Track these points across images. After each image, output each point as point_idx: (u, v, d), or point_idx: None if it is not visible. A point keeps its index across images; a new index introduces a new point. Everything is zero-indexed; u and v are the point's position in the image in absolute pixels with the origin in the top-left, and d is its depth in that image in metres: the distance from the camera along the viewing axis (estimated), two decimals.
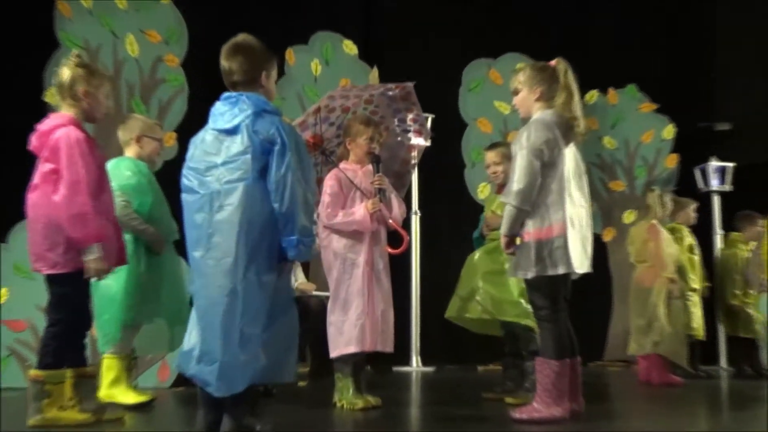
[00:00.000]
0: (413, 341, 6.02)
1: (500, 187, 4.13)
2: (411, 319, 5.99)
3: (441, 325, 4.55)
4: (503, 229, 3.15)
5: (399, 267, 4.19)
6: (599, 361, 6.59)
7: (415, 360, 6.03)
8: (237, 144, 2.60)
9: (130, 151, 3.92)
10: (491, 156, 4.15)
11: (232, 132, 2.62)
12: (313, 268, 5.60)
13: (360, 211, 3.65)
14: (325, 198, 3.68)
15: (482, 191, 6.50)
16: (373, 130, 3.75)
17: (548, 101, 3.20)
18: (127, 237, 3.65)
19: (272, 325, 2.56)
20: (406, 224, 4.20)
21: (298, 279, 5.19)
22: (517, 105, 3.26)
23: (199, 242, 2.58)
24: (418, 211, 6.15)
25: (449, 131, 6.25)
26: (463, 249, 4.59)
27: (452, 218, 6.34)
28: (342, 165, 3.80)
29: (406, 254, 5.37)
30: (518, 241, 3.14)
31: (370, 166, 3.78)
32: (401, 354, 5.74)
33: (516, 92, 3.26)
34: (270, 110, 2.65)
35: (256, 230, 2.55)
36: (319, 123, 3.91)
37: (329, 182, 3.73)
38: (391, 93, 4.00)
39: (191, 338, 2.58)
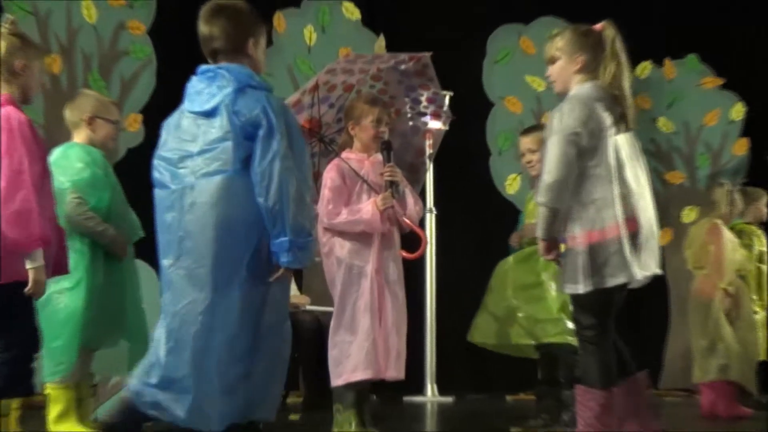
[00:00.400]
0: (428, 365, 6.02)
1: (538, 180, 4.13)
2: (425, 339, 5.98)
3: (461, 345, 4.54)
4: (538, 232, 3.12)
5: (410, 276, 4.19)
6: (654, 389, 6.57)
7: (430, 388, 6.03)
8: (215, 128, 2.59)
9: (80, 136, 3.90)
10: (527, 142, 4.16)
11: (210, 114, 2.61)
12: (306, 278, 5.61)
13: (368, 208, 3.66)
14: (326, 193, 3.69)
15: (510, 184, 6.49)
16: (379, 109, 3.76)
17: (591, 73, 3.14)
18: (78, 245, 3.64)
19: (258, 351, 2.56)
20: (420, 225, 4.18)
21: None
22: (553, 76, 3.20)
23: (168, 248, 2.59)
24: (434, 209, 6.14)
25: (471, 112, 6.23)
26: (488, 254, 4.57)
27: (475, 217, 6.34)
28: (345, 154, 3.81)
29: (419, 262, 5.36)
30: (562, 247, 3.12)
31: (378, 155, 3.80)
32: (413, 381, 5.74)
33: (552, 60, 3.19)
34: (255, 85, 2.64)
35: (237, 232, 2.54)
36: (316, 104, 3.92)
37: (330, 174, 3.74)
38: (403, 66, 4.00)
39: (152, 359, 2.57)
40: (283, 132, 2.55)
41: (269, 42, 6.06)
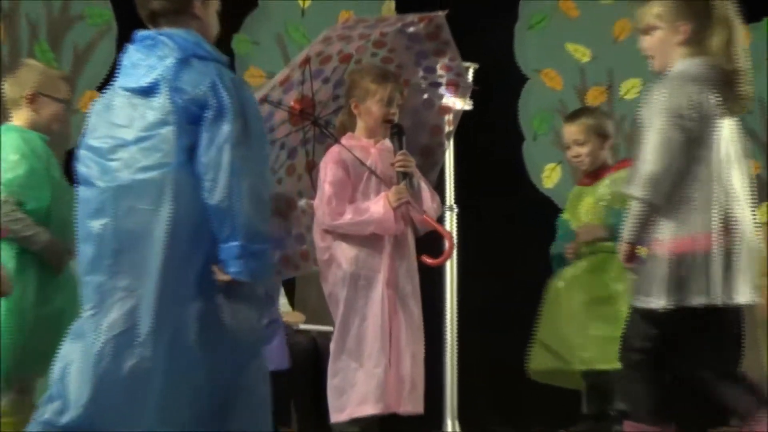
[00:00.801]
0: (448, 396, 6.00)
1: (587, 176, 4.16)
2: (445, 365, 5.97)
3: (488, 372, 4.53)
4: (625, 234, 3.12)
5: (427, 289, 4.18)
6: (725, 426, 6.54)
7: (451, 424, 6.01)
8: (154, 110, 2.54)
9: (20, 116, 3.90)
10: (573, 132, 4.18)
11: (147, 92, 2.57)
12: (300, 291, 5.60)
13: (378, 205, 3.67)
14: (326, 189, 3.69)
15: (548, 176, 6.47)
16: (391, 86, 3.75)
17: (697, 45, 3.15)
18: (5, 254, 3.62)
19: (222, 390, 2.51)
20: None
21: (280, 306, 5.20)
22: (651, 50, 3.21)
23: (98, 262, 2.53)
24: (455, 207, 6.11)
25: (500, 89, 6.21)
26: (521, 261, 4.55)
27: (505, 216, 6.31)
28: (345, 140, 3.81)
29: (437, 271, 5.33)
30: (643, 252, 3.12)
31: (386, 141, 3.80)
32: (431, 415, 5.72)
33: (649, 30, 3.21)
34: (203, 55, 2.59)
35: (186, 242, 2.50)
36: (308, 79, 3.91)
37: (329, 165, 3.74)
38: (412, 29, 3.99)
39: (56, 394, 2.51)
40: (237, 113, 2.50)
41: (254, 5, 6.10)
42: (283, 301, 5.30)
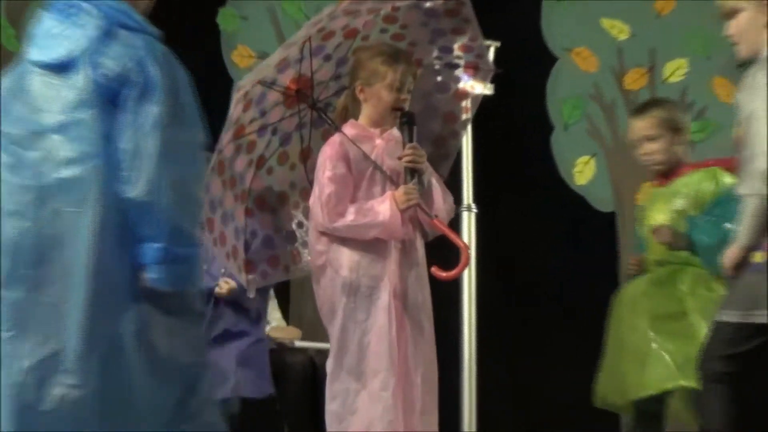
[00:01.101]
0: (465, 423, 5.99)
1: (660, 176, 4.15)
2: (462, 388, 5.95)
3: (510, 396, 4.49)
4: (742, 238, 3.17)
5: (440, 301, 4.16)
6: None
7: None
8: (73, 89, 2.50)
9: None
10: (643, 127, 4.16)
11: (64, 67, 2.53)
12: (294, 303, 5.59)
13: (384, 206, 3.64)
14: (325, 184, 3.66)
15: (581, 171, 6.44)
16: (402, 69, 3.72)
17: None
18: None
19: (165, 417, 2.47)
20: (454, 228, 4.15)
21: (272, 321, 5.19)
22: (737, 36, 3.30)
23: (15, 274, 2.48)
24: (473, 206, 6.09)
25: (526, 70, 6.22)
26: (550, 269, 4.50)
27: (530, 217, 6.30)
28: (347, 128, 3.78)
29: (453, 281, 5.33)
30: (761, 257, 3.17)
31: (394, 130, 3.78)
32: None
33: (732, 14, 3.30)
34: (132, 25, 2.57)
35: (115, 245, 2.46)
36: (307, 57, 3.91)
37: (329, 156, 3.71)
38: (429, 4, 3.99)
39: None
40: (168, 92, 2.49)
41: None
42: (276, 316, 5.29)
